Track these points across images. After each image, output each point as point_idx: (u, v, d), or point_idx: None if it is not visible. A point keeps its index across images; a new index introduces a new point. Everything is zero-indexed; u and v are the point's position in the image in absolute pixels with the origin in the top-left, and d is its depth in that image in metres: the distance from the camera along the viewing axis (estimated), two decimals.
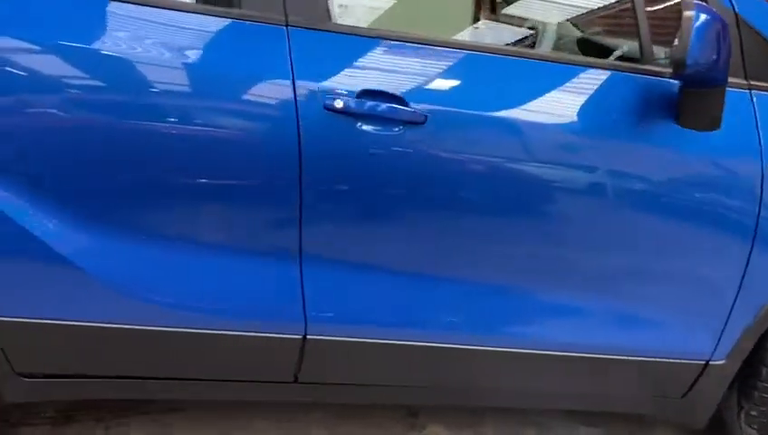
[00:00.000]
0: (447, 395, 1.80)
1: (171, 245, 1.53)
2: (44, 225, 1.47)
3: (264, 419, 2.11)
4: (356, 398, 1.75)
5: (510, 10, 2.24)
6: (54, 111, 1.43)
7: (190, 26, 1.50)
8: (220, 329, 1.58)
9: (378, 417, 2.17)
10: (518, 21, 2.20)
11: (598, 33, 2.13)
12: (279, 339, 1.59)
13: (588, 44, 2.02)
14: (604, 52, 1.85)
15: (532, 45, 1.97)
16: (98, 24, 1.46)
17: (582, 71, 1.61)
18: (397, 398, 1.75)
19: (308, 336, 1.59)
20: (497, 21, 2.34)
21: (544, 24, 1.91)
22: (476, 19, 2.33)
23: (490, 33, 2.21)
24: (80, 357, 1.60)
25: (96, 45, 1.44)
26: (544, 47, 1.89)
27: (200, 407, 2.15)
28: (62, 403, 2.03)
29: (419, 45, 1.58)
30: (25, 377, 1.59)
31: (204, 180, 1.51)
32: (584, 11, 2.25)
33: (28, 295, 1.52)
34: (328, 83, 1.49)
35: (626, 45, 1.74)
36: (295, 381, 1.66)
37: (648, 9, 1.60)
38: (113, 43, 1.45)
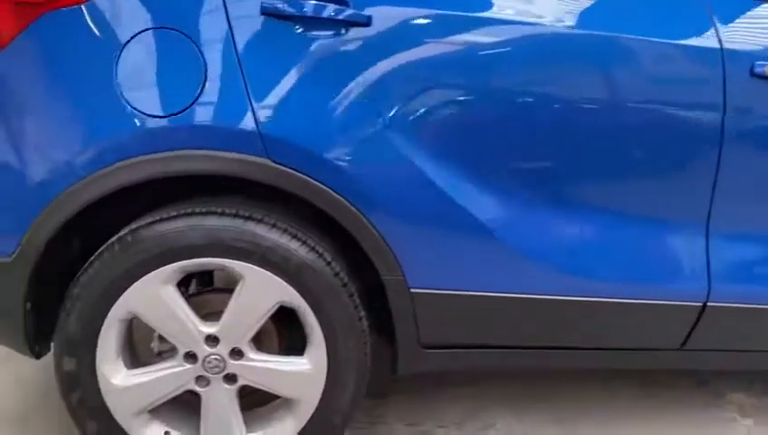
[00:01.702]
0: None
1: (586, 217, 1.54)
2: (475, 201, 1.48)
3: (557, 385, 2.14)
4: (733, 364, 1.77)
5: None
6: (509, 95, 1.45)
7: None
8: (622, 297, 1.59)
9: (672, 385, 2.19)
10: None
11: None
12: (679, 306, 1.61)
13: None
14: None
15: None
16: None
17: None
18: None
19: (708, 303, 1.61)
20: None
21: None
22: None
23: None
24: (485, 327, 1.61)
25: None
26: None
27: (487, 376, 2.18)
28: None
29: None
30: (427, 348, 1.61)
31: (622, 154, 1.51)
32: None
33: (452, 267, 1.51)
34: (755, 50, 1.49)
35: None
36: (680, 348, 1.68)
37: None
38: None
